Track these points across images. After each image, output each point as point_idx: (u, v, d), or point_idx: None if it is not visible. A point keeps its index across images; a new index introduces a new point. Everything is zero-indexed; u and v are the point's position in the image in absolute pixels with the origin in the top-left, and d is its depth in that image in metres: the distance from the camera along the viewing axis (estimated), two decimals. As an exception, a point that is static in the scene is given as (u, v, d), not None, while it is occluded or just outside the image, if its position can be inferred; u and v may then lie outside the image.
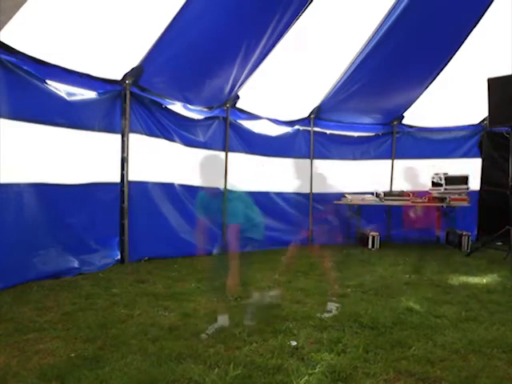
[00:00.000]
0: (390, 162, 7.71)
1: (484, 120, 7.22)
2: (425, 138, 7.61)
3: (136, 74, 4.83)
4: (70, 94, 4.42)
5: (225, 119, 6.21)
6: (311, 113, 7.01)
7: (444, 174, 6.89)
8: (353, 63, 6.02)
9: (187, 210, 5.73)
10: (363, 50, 5.83)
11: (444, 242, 7.09)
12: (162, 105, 5.43)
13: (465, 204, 6.77)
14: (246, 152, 6.51)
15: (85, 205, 4.64)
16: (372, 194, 7.14)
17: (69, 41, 4.05)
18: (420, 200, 6.90)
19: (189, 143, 5.74)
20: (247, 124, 6.55)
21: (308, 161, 7.19)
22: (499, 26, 5.63)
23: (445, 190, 6.82)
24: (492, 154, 7.33)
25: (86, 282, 4.08)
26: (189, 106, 5.69)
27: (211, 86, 5.50)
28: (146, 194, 5.25)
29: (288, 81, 6.06)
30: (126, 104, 4.95)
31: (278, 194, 6.88)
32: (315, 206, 7.22)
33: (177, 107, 5.62)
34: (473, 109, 6.98)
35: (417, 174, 6.73)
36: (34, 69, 4.00)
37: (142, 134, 5.19)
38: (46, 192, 4.20)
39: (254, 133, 6.65)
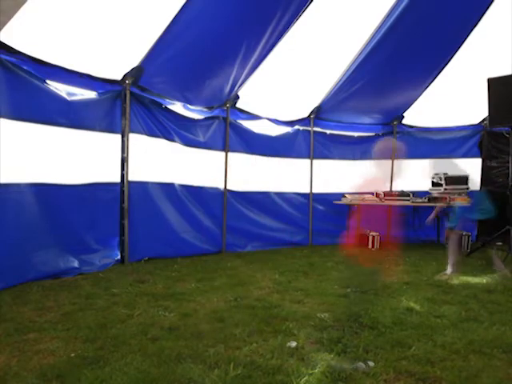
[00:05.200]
0: (389, 162, 7.70)
1: (484, 120, 7.22)
2: (425, 138, 7.61)
3: (136, 74, 4.83)
4: (70, 94, 4.42)
5: (225, 119, 6.21)
6: (311, 113, 7.01)
7: (444, 174, 6.90)
8: (353, 63, 6.02)
9: (187, 210, 5.74)
10: (363, 49, 5.83)
11: (444, 242, 7.09)
12: (162, 105, 5.43)
13: (465, 204, 6.77)
14: (246, 152, 6.51)
15: (85, 205, 4.64)
16: (372, 194, 7.14)
17: (69, 41, 4.05)
18: (420, 200, 6.90)
19: (189, 143, 5.74)
20: (247, 124, 6.55)
21: (308, 161, 7.19)
22: (499, 25, 5.64)
23: (445, 190, 6.82)
24: (492, 153, 7.33)
25: (85, 282, 4.08)
26: (189, 106, 5.69)
27: (211, 85, 5.50)
28: (146, 194, 5.25)
29: (288, 81, 6.06)
30: (125, 104, 4.95)
31: (278, 194, 6.89)
32: (315, 206, 7.23)
33: (177, 107, 5.62)
34: (473, 109, 6.97)
35: None
36: (34, 69, 4.00)
37: (141, 134, 5.18)
38: (45, 192, 4.20)
39: (254, 133, 6.65)
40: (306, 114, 7.03)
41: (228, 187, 6.19)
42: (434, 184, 7.06)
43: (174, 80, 5.19)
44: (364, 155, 7.58)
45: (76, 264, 4.40)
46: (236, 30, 4.79)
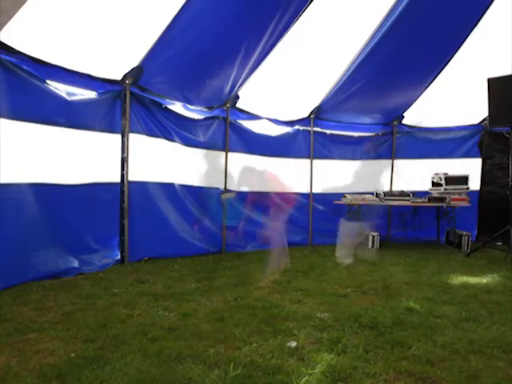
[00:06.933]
0: (389, 161, 7.72)
1: (484, 120, 7.22)
2: (425, 138, 7.61)
3: (136, 74, 4.83)
4: (70, 94, 4.42)
5: (225, 119, 6.21)
6: (311, 113, 7.01)
7: (444, 173, 6.90)
8: (353, 63, 6.01)
9: (187, 210, 5.74)
10: (363, 50, 5.83)
11: (444, 242, 7.10)
12: (162, 105, 5.43)
13: (465, 204, 6.77)
14: (246, 152, 6.51)
15: (85, 205, 4.64)
16: (372, 194, 7.15)
17: (69, 41, 4.05)
18: (420, 200, 6.90)
19: (189, 143, 5.74)
20: (247, 124, 6.56)
21: (308, 161, 7.19)
22: (499, 25, 5.64)
23: (445, 190, 6.83)
24: (492, 154, 7.34)
25: (85, 282, 4.08)
26: (189, 106, 5.69)
27: (211, 85, 5.50)
28: (145, 194, 5.25)
29: (288, 81, 6.06)
30: (125, 104, 4.95)
31: (278, 194, 6.88)
32: (315, 206, 7.24)
33: (177, 107, 5.62)
34: (473, 109, 6.98)
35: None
36: (34, 69, 4.00)
37: (141, 134, 5.19)
38: (45, 192, 4.20)
39: (253, 133, 6.65)
40: (305, 114, 7.03)
41: (228, 187, 6.19)
42: (433, 184, 7.06)
43: (173, 80, 5.19)
44: (364, 155, 7.59)
45: (76, 264, 4.41)
46: (236, 30, 4.79)
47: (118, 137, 5.00)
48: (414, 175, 7.45)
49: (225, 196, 4.64)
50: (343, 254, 4.83)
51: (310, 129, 7.15)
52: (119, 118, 4.98)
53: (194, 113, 5.86)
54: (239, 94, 6.04)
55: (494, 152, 7.30)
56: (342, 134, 7.53)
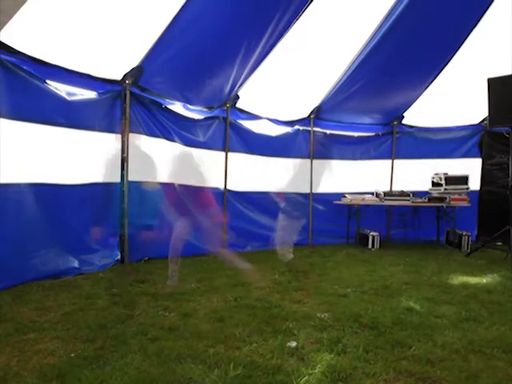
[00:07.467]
0: (389, 162, 7.72)
1: (484, 120, 7.22)
2: (425, 138, 7.61)
3: (136, 74, 4.83)
4: (70, 94, 4.42)
5: (225, 119, 6.21)
6: (311, 113, 7.01)
7: (444, 173, 6.90)
8: (353, 63, 6.01)
9: (187, 210, 5.73)
10: (363, 50, 5.83)
11: (444, 242, 7.10)
12: (162, 105, 5.43)
13: (465, 204, 6.78)
14: (246, 152, 6.51)
15: (85, 205, 4.64)
16: (372, 194, 7.15)
17: (69, 41, 4.05)
18: (420, 200, 6.90)
19: (189, 143, 5.74)
20: (247, 124, 6.55)
21: (308, 161, 7.19)
22: (499, 26, 5.64)
23: (445, 190, 6.83)
24: (492, 154, 7.34)
25: (86, 281, 4.09)
26: (189, 106, 5.69)
27: (211, 85, 5.50)
28: (146, 194, 5.24)
29: (288, 81, 6.06)
30: (125, 104, 4.94)
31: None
32: (315, 206, 7.24)
33: (177, 107, 5.62)
34: (473, 109, 6.98)
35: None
36: (34, 69, 4.00)
37: (142, 134, 5.18)
38: (45, 192, 4.20)
39: (254, 133, 6.65)
40: (305, 114, 7.02)
41: (228, 187, 6.19)
42: (433, 184, 7.07)
43: (173, 80, 5.19)
44: (364, 155, 7.59)
45: (76, 264, 4.41)
46: (236, 30, 4.78)
47: (118, 137, 5.00)
48: (413, 175, 7.46)
49: (147, 187, 4.26)
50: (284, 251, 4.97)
51: (309, 129, 7.15)
52: (119, 118, 4.98)
53: (193, 113, 5.86)
54: (239, 94, 6.03)
55: (494, 152, 7.30)
56: (342, 134, 7.54)
